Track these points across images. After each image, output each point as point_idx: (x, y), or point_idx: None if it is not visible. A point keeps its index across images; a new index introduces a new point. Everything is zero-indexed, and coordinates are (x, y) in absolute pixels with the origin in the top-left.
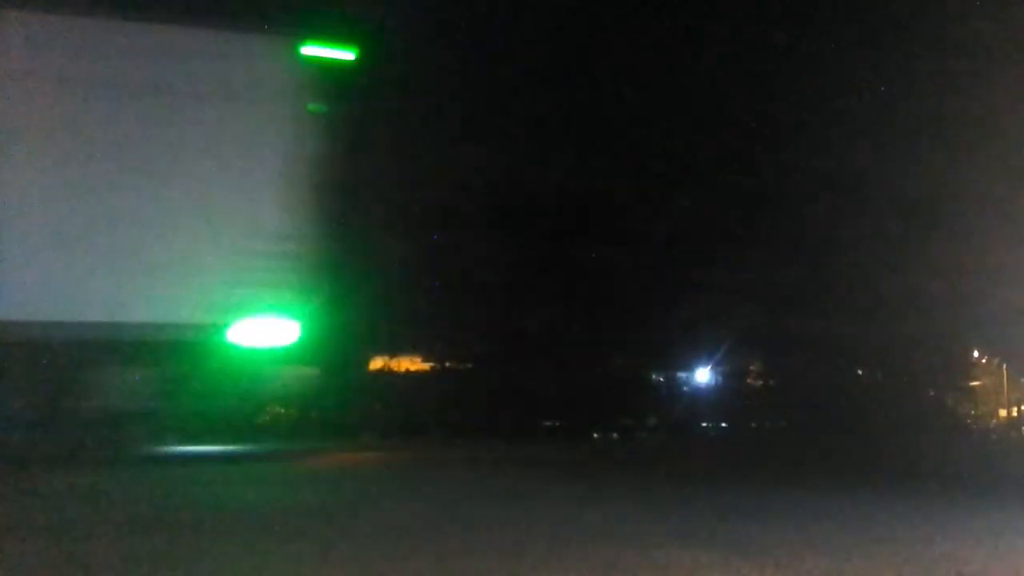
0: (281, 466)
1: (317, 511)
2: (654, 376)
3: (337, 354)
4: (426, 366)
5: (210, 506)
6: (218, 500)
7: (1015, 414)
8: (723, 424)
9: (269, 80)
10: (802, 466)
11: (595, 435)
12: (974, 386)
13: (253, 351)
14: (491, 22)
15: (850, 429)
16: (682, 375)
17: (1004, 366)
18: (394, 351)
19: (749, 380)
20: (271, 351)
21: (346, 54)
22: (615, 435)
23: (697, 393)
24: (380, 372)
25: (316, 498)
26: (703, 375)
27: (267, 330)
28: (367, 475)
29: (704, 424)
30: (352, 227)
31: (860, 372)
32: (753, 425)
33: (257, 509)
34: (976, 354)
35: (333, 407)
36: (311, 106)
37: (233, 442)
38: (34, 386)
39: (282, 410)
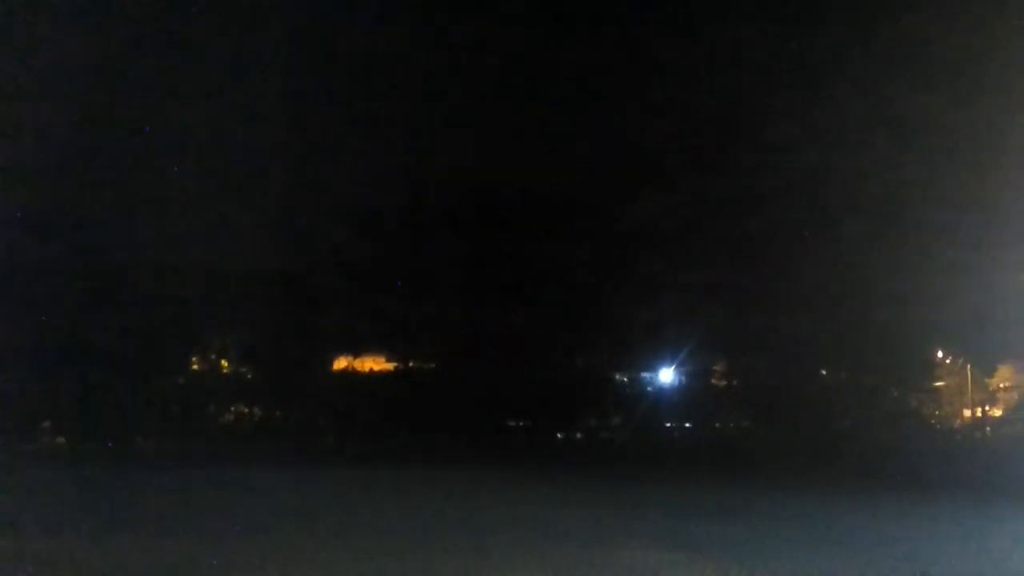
0: None
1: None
2: (618, 376)
3: None
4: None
5: None
6: None
7: (979, 415)
8: (687, 424)
9: None
10: (766, 466)
11: (559, 435)
12: (938, 386)
13: None
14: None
15: (814, 429)
16: (646, 375)
17: (968, 366)
18: None
19: (713, 380)
20: None
21: None
22: (579, 435)
23: (661, 393)
24: None
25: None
26: (667, 375)
27: None
28: None
29: (668, 424)
30: None
31: (824, 372)
32: (717, 425)
33: None
34: (940, 354)
35: None
36: None
37: None
38: None
39: None
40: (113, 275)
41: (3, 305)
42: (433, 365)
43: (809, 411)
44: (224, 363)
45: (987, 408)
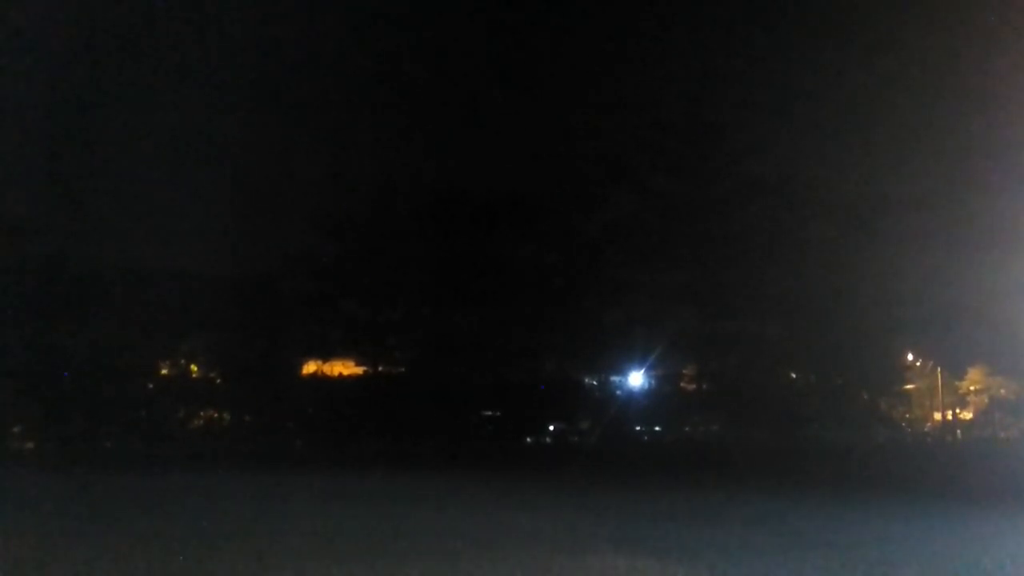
0: None
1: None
2: (587, 380)
3: None
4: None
5: None
6: None
7: (949, 418)
8: (657, 428)
9: None
10: (735, 470)
11: (528, 438)
12: (908, 389)
13: None
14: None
15: (784, 432)
16: (615, 379)
17: (938, 369)
18: None
19: (682, 383)
20: None
21: None
22: (548, 439)
23: (630, 397)
24: None
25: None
26: (636, 379)
27: None
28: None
29: (637, 428)
30: None
31: (794, 375)
32: (687, 429)
33: None
34: (910, 357)
35: None
36: None
37: None
38: None
39: None
40: (82, 279)
41: None
42: (402, 369)
43: (779, 414)
44: (193, 367)
45: (957, 411)
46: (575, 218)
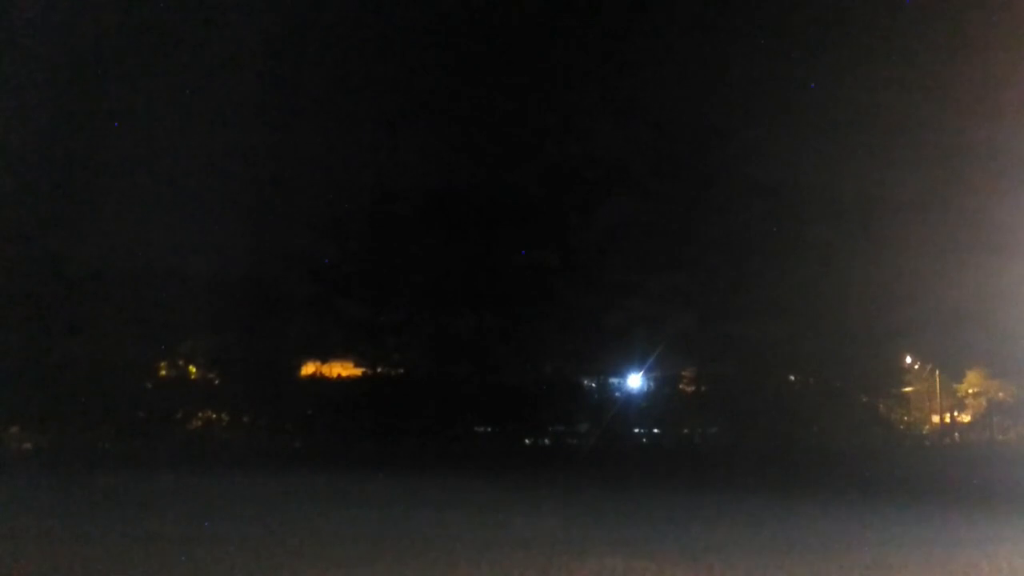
0: None
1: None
2: (586, 382)
3: None
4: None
5: None
6: None
7: (947, 420)
8: (655, 430)
9: None
10: (734, 472)
11: (527, 440)
12: (907, 392)
13: None
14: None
15: (782, 435)
16: (614, 381)
17: (937, 372)
18: None
19: (681, 386)
20: None
21: None
22: (547, 440)
23: (629, 399)
24: None
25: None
26: (635, 381)
27: None
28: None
29: (636, 430)
30: None
31: (792, 378)
32: (685, 431)
33: None
34: (909, 360)
35: None
36: None
37: None
38: None
39: None
40: (80, 279)
41: None
42: (401, 370)
43: (777, 417)
44: (192, 368)
45: (956, 414)
46: (574, 220)
